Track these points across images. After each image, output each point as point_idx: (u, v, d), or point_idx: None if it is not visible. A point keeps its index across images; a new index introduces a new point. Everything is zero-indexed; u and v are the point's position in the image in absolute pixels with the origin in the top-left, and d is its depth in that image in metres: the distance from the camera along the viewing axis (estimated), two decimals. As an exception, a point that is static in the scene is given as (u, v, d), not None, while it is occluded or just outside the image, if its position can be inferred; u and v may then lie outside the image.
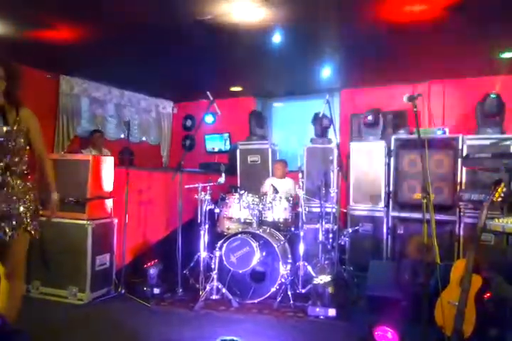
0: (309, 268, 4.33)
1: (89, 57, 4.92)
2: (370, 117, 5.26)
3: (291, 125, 7.13)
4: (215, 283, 4.09)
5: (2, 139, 2.44)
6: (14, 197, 2.49)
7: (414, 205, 4.62)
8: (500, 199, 2.90)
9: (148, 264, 4.33)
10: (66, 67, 5.50)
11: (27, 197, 2.55)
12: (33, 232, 2.58)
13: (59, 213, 4.03)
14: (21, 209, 2.51)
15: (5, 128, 2.42)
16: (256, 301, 4.03)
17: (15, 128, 2.50)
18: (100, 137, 5.69)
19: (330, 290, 3.72)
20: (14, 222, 2.47)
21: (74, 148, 5.82)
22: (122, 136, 6.72)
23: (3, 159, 2.46)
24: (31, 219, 2.56)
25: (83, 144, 5.92)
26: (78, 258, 4.01)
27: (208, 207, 4.44)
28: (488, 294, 3.03)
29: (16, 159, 2.52)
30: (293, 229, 4.71)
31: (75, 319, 3.63)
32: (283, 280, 4.06)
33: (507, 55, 4.62)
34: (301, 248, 4.32)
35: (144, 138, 7.28)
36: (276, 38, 4.07)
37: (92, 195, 4.11)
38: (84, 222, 4.04)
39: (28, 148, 2.61)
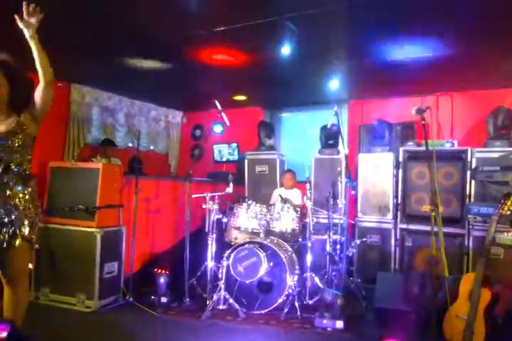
0: (317, 279, 4.32)
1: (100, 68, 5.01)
2: (377, 123, 5.28)
3: (299, 135, 7.15)
4: (222, 293, 4.09)
5: (0, 140, 2.39)
6: (13, 202, 2.42)
7: (423, 217, 4.60)
8: (509, 212, 2.89)
9: (158, 271, 4.35)
10: (78, 76, 5.58)
11: (27, 202, 2.47)
12: (32, 241, 2.49)
13: (69, 221, 4.15)
14: (20, 215, 2.42)
15: None
16: (263, 312, 4.02)
17: (12, 127, 2.43)
18: (112, 149, 5.74)
19: (339, 302, 3.70)
20: (11, 229, 2.39)
21: (84, 156, 5.88)
22: (130, 144, 6.78)
23: (2, 161, 2.39)
24: (30, 227, 2.46)
25: (93, 152, 5.98)
26: (87, 265, 4.04)
27: (216, 217, 4.46)
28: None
29: (16, 160, 2.44)
30: (300, 239, 4.71)
31: (82, 326, 3.64)
32: (290, 291, 4.04)
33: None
34: (309, 259, 4.32)
35: (151, 147, 7.34)
36: (286, 50, 4.11)
37: (102, 203, 4.15)
38: (93, 229, 4.07)
39: (29, 152, 2.52)
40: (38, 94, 2.48)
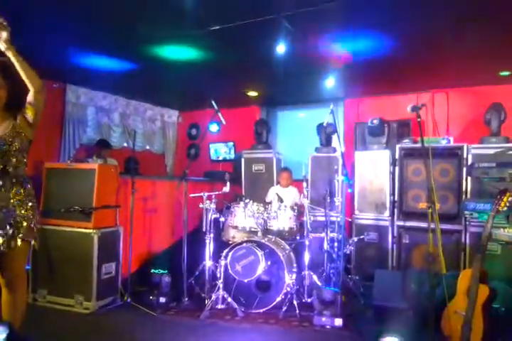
0: (315, 277, 4.32)
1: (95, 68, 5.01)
2: (375, 121, 5.27)
3: (296, 134, 7.15)
4: (221, 293, 4.09)
5: None
6: (10, 205, 2.42)
7: (420, 214, 4.63)
8: (506, 208, 2.90)
9: (157, 272, 4.35)
10: (73, 77, 5.55)
11: (24, 205, 2.47)
12: (31, 242, 2.49)
13: (65, 222, 4.13)
14: (18, 218, 2.43)
15: None
16: (261, 311, 4.02)
17: (9, 130, 2.43)
18: (107, 151, 5.73)
19: (339, 299, 3.70)
20: (10, 231, 2.39)
21: (80, 156, 5.86)
22: (125, 144, 6.77)
23: None
24: (28, 228, 2.46)
25: (89, 153, 5.97)
26: (84, 266, 4.02)
27: (213, 216, 4.45)
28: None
29: (13, 163, 2.45)
30: (298, 238, 4.71)
31: (80, 328, 3.63)
32: (288, 289, 4.05)
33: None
34: (307, 257, 4.32)
35: (147, 147, 7.32)
36: (281, 49, 4.10)
37: (98, 204, 4.13)
38: (90, 230, 4.05)
39: (25, 156, 2.53)
40: (30, 100, 2.47)
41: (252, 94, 6.41)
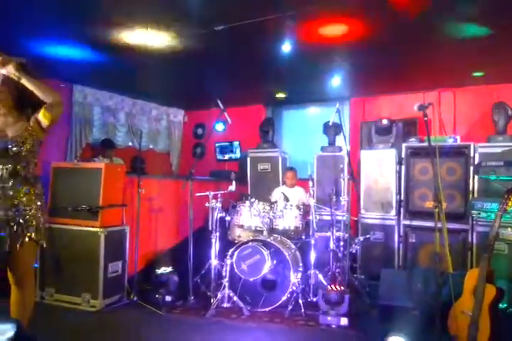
0: (320, 276, 4.32)
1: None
2: (385, 121, 5.25)
3: (301, 133, 7.14)
4: (227, 291, 4.10)
5: (8, 144, 2.42)
6: (20, 205, 2.45)
7: (426, 213, 4.60)
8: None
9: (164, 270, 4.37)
10: (80, 77, 5.58)
11: (33, 204, 2.52)
12: (39, 241, 2.52)
13: (72, 220, 4.16)
14: (27, 217, 2.46)
15: None
16: (267, 309, 4.02)
17: (21, 131, 2.46)
18: (112, 150, 5.76)
19: (345, 298, 3.70)
20: (19, 231, 2.42)
21: (86, 155, 5.90)
22: (130, 143, 6.79)
23: (10, 164, 2.43)
24: (36, 228, 2.50)
25: (95, 152, 6.00)
26: (91, 265, 4.04)
27: (219, 215, 4.45)
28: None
29: (23, 164, 2.49)
30: (304, 237, 4.70)
31: (87, 326, 3.65)
32: (294, 288, 4.05)
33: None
34: (312, 256, 4.31)
35: (151, 146, 7.34)
36: (287, 48, 4.10)
37: (105, 203, 4.15)
38: (97, 229, 4.07)
39: (36, 156, 2.56)
40: (48, 107, 2.48)
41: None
